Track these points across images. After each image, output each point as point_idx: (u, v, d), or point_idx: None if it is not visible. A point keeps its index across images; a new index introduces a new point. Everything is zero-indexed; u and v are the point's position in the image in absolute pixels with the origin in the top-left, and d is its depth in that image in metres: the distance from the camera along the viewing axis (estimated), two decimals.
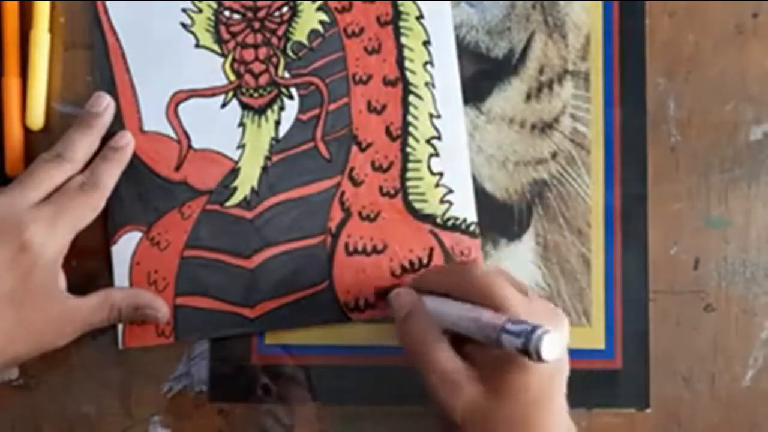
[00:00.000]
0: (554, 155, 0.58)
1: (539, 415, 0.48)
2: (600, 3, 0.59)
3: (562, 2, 0.59)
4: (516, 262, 0.57)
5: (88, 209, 0.53)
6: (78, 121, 0.55)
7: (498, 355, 0.46)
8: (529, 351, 0.43)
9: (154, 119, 0.57)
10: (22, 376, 0.55)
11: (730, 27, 0.59)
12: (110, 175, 0.55)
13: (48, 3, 0.57)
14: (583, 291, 0.57)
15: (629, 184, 0.58)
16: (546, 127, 0.58)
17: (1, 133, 0.56)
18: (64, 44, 0.57)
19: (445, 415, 0.49)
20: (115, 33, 0.57)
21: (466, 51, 0.58)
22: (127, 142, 0.56)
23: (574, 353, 0.56)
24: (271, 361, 0.56)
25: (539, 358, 0.43)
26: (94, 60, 0.57)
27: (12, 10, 0.57)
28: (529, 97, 0.58)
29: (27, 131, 0.57)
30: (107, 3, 0.57)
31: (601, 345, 0.57)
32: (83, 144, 0.54)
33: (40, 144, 0.56)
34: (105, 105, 0.56)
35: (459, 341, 0.49)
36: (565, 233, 0.58)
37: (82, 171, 0.54)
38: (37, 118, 0.56)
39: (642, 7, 0.59)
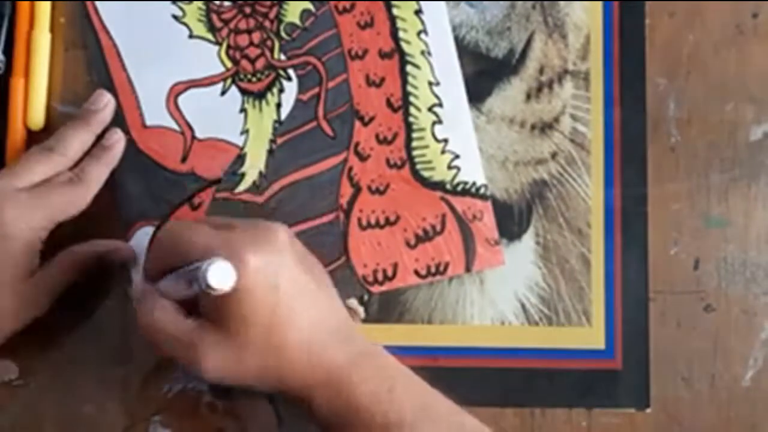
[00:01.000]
0: (554, 155, 0.58)
1: (274, 335, 0.47)
2: (600, 3, 0.59)
3: (562, 2, 0.59)
4: (516, 262, 0.57)
5: (70, 203, 0.53)
6: (75, 117, 0.55)
7: (214, 300, 0.46)
8: (202, 288, 0.43)
9: (156, 113, 0.57)
10: (22, 376, 0.55)
11: (731, 27, 0.59)
12: (98, 173, 0.54)
13: (48, 3, 0.57)
14: (583, 291, 0.57)
15: (629, 184, 0.58)
16: (546, 127, 0.58)
17: (3, 132, 0.56)
18: (64, 44, 0.57)
19: (201, 377, 0.48)
20: (107, 32, 0.57)
21: (466, 51, 0.58)
22: (116, 140, 0.56)
23: (574, 353, 0.56)
24: None
25: (212, 289, 0.42)
26: (89, 60, 0.57)
27: (25, 10, 0.57)
28: (529, 97, 0.58)
29: (27, 131, 0.57)
30: (97, 3, 0.57)
31: (601, 345, 0.57)
32: (76, 140, 0.54)
33: (40, 143, 0.56)
34: (104, 103, 0.56)
35: (191, 308, 0.48)
36: (565, 233, 0.58)
37: (74, 167, 0.54)
38: (37, 118, 0.57)
39: (642, 7, 0.59)
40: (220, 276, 0.43)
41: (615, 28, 0.59)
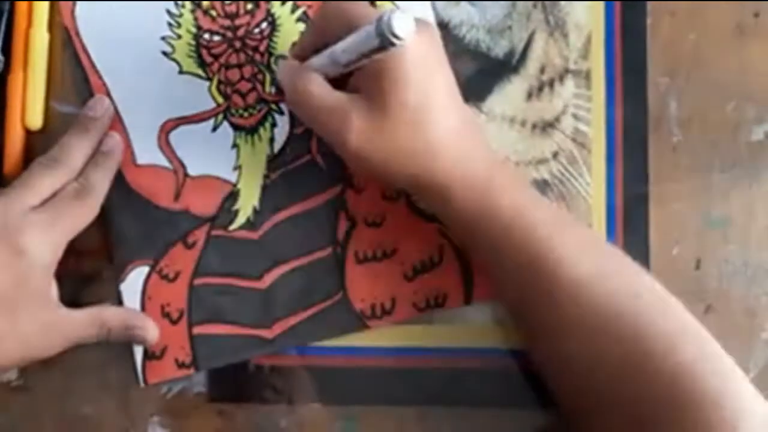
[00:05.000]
0: (555, 155, 0.58)
1: (426, 116, 0.49)
2: (601, 2, 0.58)
3: (563, 1, 0.59)
4: None
5: (83, 216, 0.53)
6: (75, 125, 0.55)
7: (374, 74, 0.49)
8: (384, 33, 0.44)
9: (147, 151, 0.56)
10: (21, 377, 0.54)
11: (732, 26, 0.59)
12: (103, 180, 0.54)
13: (47, 2, 0.57)
14: None
15: (630, 184, 0.58)
16: (547, 127, 0.58)
17: (1, 131, 0.56)
18: (62, 44, 0.57)
19: (341, 150, 0.51)
20: (97, 72, 0.57)
21: (466, 50, 0.58)
22: (115, 144, 0.56)
23: None
24: (276, 361, 0.56)
25: (395, 36, 0.44)
26: (78, 97, 0.57)
27: (23, 9, 0.57)
28: (530, 96, 0.58)
29: (26, 131, 0.56)
30: (86, 44, 0.57)
31: None
32: (80, 149, 0.54)
33: (38, 143, 0.56)
34: (104, 109, 0.56)
35: (341, 84, 0.52)
36: None
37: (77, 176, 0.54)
38: (35, 117, 0.56)
39: (643, 7, 0.58)
40: (402, 24, 0.44)
41: (616, 28, 0.58)
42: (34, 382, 0.55)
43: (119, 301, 0.56)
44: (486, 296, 0.56)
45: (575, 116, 0.58)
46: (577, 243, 0.50)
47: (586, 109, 0.58)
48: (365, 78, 0.50)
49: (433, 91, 0.50)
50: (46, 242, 0.51)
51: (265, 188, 0.57)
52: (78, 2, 0.57)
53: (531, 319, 0.51)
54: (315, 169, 0.57)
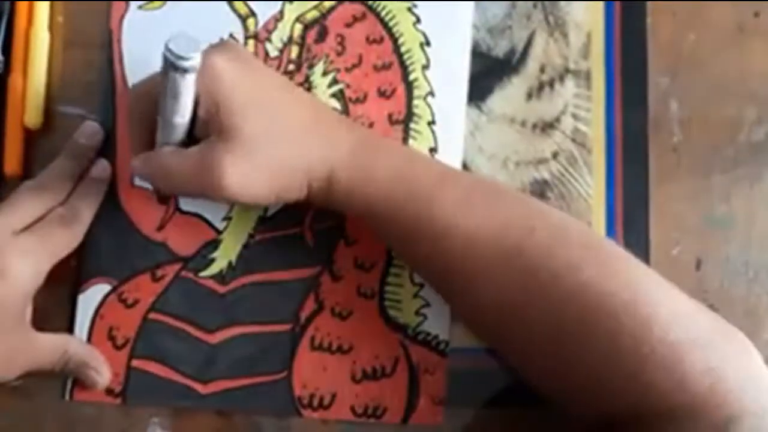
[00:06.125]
0: (555, 155, 0.58)
1: (278, 123, 0.50)
2: (601, 2, 0.59)
3: (563, 1, 0.59)
4: None
5: (67, 242, 0.53)
6: (64, 151, 0.55)
7: (209, 117, 0.49)
8: (172, 63, 0.45)
9: None
10: (22, 376, 0.54)
11: (732, 26, 0.59)
12: (89, 207, 0.54)
13: (47, 2, 0.57)
14: None
15: (631, 184, 0.58)
16: (547, 127, 0.58)
17: (1, 131, 0.56)
18: (62, 43, 0.57)
19: (227, 196, 0.49)
20: (125, 82, 0.57)
21: None
22: (102, 170, 0.55)
23: None
24: None
25: (182, 58, 0.45)
26: (100, 101, 0.57)
27: (23, 9, 0.57)
28: (530, 96, 0.58)
29: (26, 130, 0.56)
30: (124, 52, 0.57)
31: None
32: (67, 175, 0.54)
33: (38, 143, 0.56)
34: (93, 136, 0.55)
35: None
36: None
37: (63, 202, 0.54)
38: (35, 117, 0.56)
39: (643, 7, 0.59)
40: (181, 45, 0.45)
41: (616, 27, 0.58)
42: (34, 382, 0.55)
43: (72, 310, 0.55)
44: (423, 421, 0.55)
45: (575, 116, 0.58)
46: (461, 196, 0.49)
47: (586, 109, 0.58)
48: (204, 125, 0.50)
49: (268, 97, 0.50)
50: (28, 267, 0.51)
51: (246, 247, 0.56)
52: (130, 9, 0.57)
53: (434, 281, 0.52)
54: (300, 243, 0.56)
